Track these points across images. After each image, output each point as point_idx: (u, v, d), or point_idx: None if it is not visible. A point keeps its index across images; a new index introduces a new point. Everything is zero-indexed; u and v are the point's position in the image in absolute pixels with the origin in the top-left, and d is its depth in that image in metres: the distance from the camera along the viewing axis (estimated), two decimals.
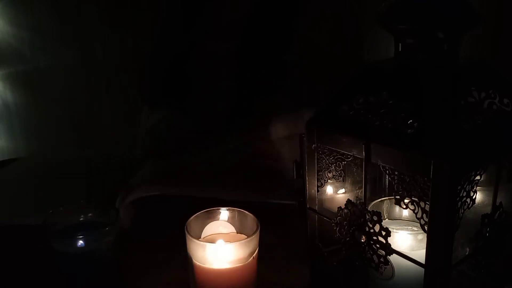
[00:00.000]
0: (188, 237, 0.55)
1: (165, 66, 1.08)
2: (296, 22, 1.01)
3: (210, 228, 0.59)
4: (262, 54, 1.02)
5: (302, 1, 1.01)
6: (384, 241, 0.46)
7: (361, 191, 0.49)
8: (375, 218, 0.46)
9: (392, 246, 0.46)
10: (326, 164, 0.51)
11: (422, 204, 0.42)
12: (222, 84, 1.05)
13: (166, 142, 1.01)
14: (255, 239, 0.55)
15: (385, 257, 0.46)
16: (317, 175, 0.53)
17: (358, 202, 0.48)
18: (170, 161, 0.91)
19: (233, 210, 0.60)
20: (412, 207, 0.43)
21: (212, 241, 0.57)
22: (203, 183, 0.79)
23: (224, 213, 0.60)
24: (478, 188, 0.43)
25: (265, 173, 0.86)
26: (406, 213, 0.54)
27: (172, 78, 1.08)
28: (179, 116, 1.06)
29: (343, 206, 0.49)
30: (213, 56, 1.05)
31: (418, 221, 0.42)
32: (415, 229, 0.50)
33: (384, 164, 0.44)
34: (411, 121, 0.42)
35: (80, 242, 0.55)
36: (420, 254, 0.44)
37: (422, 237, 0.45)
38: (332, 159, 0.50)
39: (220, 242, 0.56)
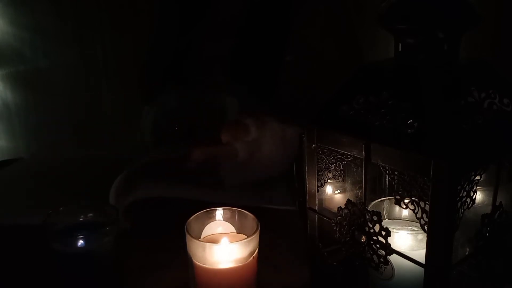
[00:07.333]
0: (188, 237, 0.55)
1: (164, 64, 1.08)
2: (293, 22, 1.01)
3: (210, 228, 0.59)
4: (258, 54, 1.02)
5: (299, 1, 1.01)
6: (384, 241, 0.46)
7: (361, 191, 0.49)
8: (375, 218, 0.46)
9: (392, 246, 0.46)
10: (326, 164, 0.51)
11: (422, 204, 0.42)
12: (218, 83, 1.05)
13: (164, 138, 1.01)
14: (255, 239, 0.55)
15: (385, 257, 0.46)
16: (317, 175, 0.53)
17: (358, 202, 0.48)
18: (167, 155, 0.91)
19: (233, 210, 0.60)
20: (412, 207, 0.43)
21: (212, 241, 0.57)
22: (202, 187, 0.79)
23: (224, 213, 0.60)
24: (478, 188, 0.43)
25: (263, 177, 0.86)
26: (406, 213, 0.54)
27: (170, 76, 1.08)
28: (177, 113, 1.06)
29: (343, 206, 0.49)
30: (210, 56, 1.04)
31: (418, 221, 0.42)
32: (415, 229, 0.50)
33: (384, 164, 0.44)
34: (411, 121, 0.42)
35: (80, 242, 0.55)
36: (420, 254, 0.44)
37: (422, 237, 0.45)
38: (332, 159, 0.50)
39: (224, 241, 0.56)
